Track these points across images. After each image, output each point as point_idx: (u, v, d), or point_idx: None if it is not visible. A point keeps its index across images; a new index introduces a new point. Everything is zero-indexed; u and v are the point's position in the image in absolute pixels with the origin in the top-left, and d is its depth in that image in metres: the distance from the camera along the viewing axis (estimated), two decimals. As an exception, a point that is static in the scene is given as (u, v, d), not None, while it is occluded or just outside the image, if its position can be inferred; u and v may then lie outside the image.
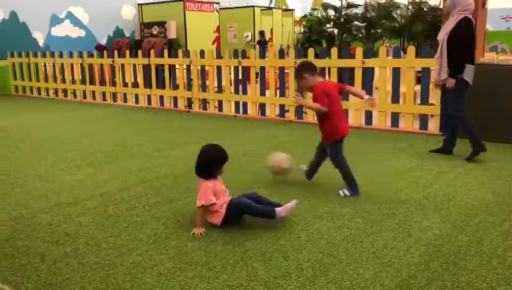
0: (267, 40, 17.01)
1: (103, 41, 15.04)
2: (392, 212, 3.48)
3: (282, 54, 8.07)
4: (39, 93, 12.18)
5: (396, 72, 6.84)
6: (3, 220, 3.41)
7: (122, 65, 10.31)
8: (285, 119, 7.96)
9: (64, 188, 4.18)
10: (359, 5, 18.40)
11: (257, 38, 16.84)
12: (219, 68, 8.77)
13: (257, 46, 15.95)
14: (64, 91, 11.65)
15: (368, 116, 7.15)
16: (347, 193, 3.86)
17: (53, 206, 3.69)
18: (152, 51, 9.86)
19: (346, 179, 3.92)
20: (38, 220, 3.40)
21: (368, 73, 7.06)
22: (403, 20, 18.21)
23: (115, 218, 3.43)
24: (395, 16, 18.31)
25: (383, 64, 7.00)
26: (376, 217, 3.38)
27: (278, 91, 8.16)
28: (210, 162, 3.23)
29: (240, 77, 8.66)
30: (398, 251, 2.83)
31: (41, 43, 13.68)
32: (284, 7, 20.83)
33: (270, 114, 8.22)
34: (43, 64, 11.97)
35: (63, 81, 11.59)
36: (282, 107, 8.15)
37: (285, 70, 8.01)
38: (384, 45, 15.93)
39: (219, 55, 8.97)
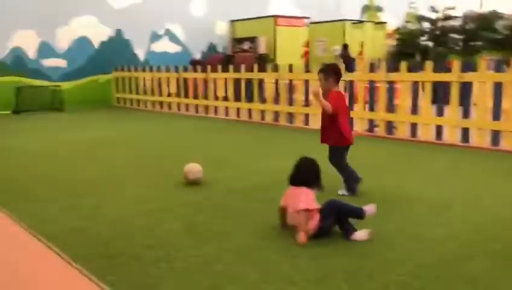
0: (350, 53, 16.63)
1: (197, 56, 15.78)
2: (492, 237, 3.23)
3: (372, 67, 7.90)
4: (138, 105, 13.06)
5: (498, 87, 6.38)
6: (106, 222, 3.68)
7: (215, 79, 10.74)
8: (374, 135, 7.75)
9: (159, 194, 4.42)
10: (457, 16, 17.48)
11: (340, 51, 16.56)
12: (307, 82, 8.80)
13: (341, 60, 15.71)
14: (161, 103, 12.38)
15: (465, 133, 6.73)
16: (345, 192, 4.19)
17: (148, 212, 3.92)
18: (242, 66, 10.16)
19: (347, 182, 4.23)
20: (136, 224, 3.62)
21: (466, 88, 6.67)
22: (506, 31, 16.96)
23: (204, 226, 3.56)
24: (497, 27, 17.11)
25: (483, 78, 6.57)
26: (472, 241, 3.16)
27: (367, 105, 7.99)
28: (317, 174, 3.41)
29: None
30: (497, 280, 2.61)
31: (141, 58, 14.69)
32: (376, 20, 20.40)
33: (358, 129, 8.05)
34: (143, 78, 12.84)
35: (160, 94, 12.33)
36: (371, 122, 7.95)
37: (376, 84, 7.83)
38: (484, 58, 14.95)
39: (307, 70, 9.00)
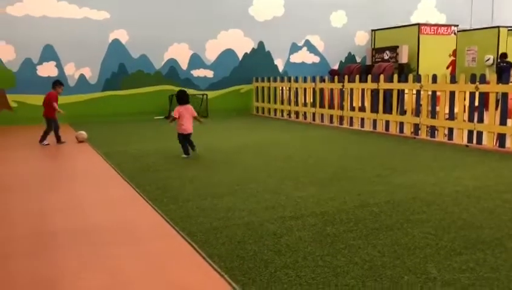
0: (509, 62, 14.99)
1: (335, 66, 15.75)
2: None
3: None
4: (275, 114, 13.49)
5: None
6: (237, 224, 3.88)
7: (351, 89, 10.61)
8: (531, 154, 6.91)
9: (290, 202, 4.51)
10: None
11: (492, 61, 15.01)
12: (452, 94, 8.21)
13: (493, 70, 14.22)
14: (296, 113, 12.62)
15: None
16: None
17: (278, 218, 4.03)
18: (381, 76, 9.87)
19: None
20: (265, 229, 3.75)
21: None
22: None
23: (333, 237, 3.54)
24: None
25: None
26: None
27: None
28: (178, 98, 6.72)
29: (476, 103, 7.91)
30: None
31: (280, 69, 15.16)
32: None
33: (510, 146, 7.26)
34: (280, 88, 13.26)
35: (296, 103, 12.58)
36: (527, 139, 7.11)
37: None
38: None
39: (453, 80, 8.40)
